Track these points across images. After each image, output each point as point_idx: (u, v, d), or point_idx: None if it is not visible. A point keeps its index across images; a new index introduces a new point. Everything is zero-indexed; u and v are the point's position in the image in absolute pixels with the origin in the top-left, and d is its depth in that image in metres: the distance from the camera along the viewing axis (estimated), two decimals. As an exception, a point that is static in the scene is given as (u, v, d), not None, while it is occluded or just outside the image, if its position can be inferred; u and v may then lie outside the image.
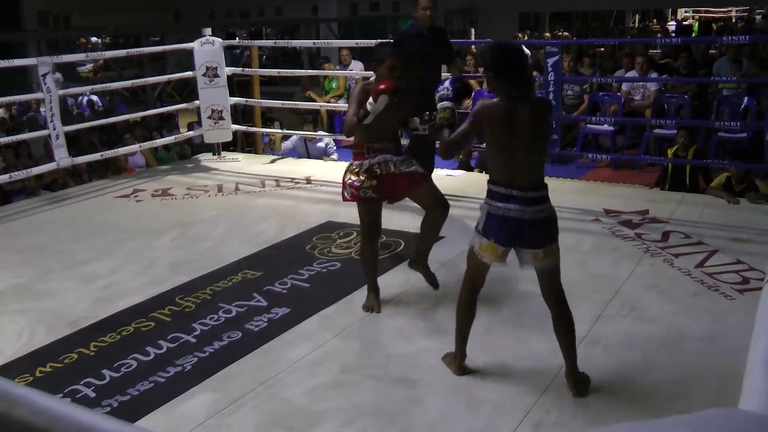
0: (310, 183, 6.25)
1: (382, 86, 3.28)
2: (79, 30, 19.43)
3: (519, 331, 3.33)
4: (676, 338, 3.27)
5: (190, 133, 7.79)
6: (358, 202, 3.54)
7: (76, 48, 20.33)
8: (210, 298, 3.86)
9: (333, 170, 6.61)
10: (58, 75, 6.60)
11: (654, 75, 8.53)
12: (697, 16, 26.37)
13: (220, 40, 7.07)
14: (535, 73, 5.89)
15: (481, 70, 8.89)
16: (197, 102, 7.09)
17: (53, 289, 4.10)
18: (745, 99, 7.89)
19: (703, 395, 2.80)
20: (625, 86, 8.60)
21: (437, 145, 5.36)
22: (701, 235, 4.61)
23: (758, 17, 24.44)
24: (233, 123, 7.23)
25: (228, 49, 8.12)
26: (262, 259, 4.42)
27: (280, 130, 7.30)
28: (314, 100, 9.43)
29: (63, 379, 3.07)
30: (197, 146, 8.38)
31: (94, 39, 22.85)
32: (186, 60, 7.96)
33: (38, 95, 6.23)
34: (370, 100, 3.31)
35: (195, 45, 6.89)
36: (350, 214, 5.12)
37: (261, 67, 9.49)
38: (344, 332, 3.42)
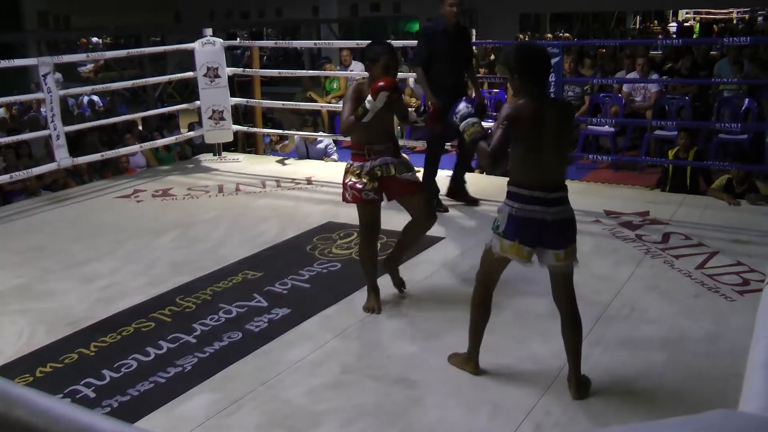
0: (310, 184, 6.25)
1: (381, 83, 3.26)
2: (80, 30, 19.45)
3: (520, 332, 3.33)
4: (677, 339, 3.27)
5: (191, 133, 7.79)
6: (358, 204, 3.54)
7: (76, 48, 20.36)
8: (210, 298, 3.86)
9: (333, 171, 6.61)
10: (58, 75, 6.60)
11: (655, 76, 8.54)
12: (698, 17, 26.40)
13: (221, 40, 7.07)
14: None
15: (482, 71, 8.92)
16: (198, 102, 7.09)
17: (53, 290, 4.10)
18: (746, 100, 7.89)
19: (704, 396, 2.79)
20: (625, 87, 8.60)
21: (441, 145, 5.41)
22: (702, 236, 4.61)
23: (759, 19, 24.44)
24: (234, 123, 7.23)
25: (229, 50, 8.12)
26: (262, 259, 4.42)
27: (280, 131, 7.29)
28: (315, 101, 9.43)
29: (63, 380, 3.07)
30: (198, 146, 8.38)
31: (94, 39, 22.88)
32: (187, 60, 7.97)
33: (39, 95, 6.24)
34: (369, 98, 3.29)
35: (196, 45, 6.90)
36: (351, 214, 5.12)
37: (262, 67, 9.49)
38: (344, 333, 3.42)
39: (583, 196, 5.54)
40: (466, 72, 5.23)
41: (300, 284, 4.01)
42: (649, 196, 5.85)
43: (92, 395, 2.95)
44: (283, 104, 7.94)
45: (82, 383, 3.03)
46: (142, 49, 8.60)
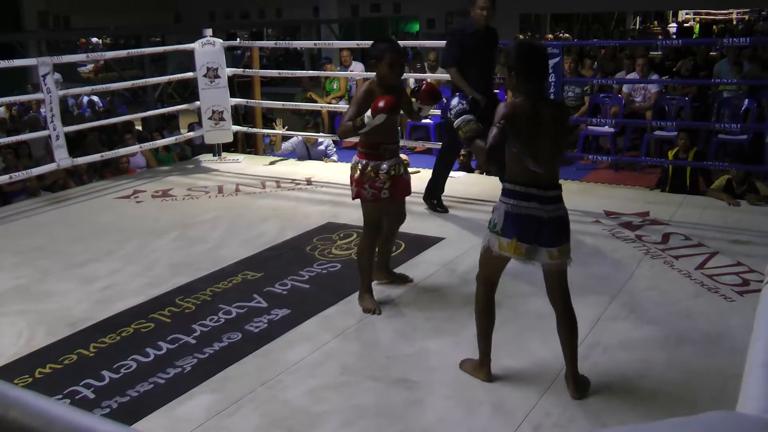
0: (310, 184, 6.25)
1: (381, 104, 3.26)
2: (80, 30, 19.45)
3: (519, 332, 3.32)
4: (676, 340, 3.27)
5: (191, 134, 7.79)
6: (375, 202, 3.54)
7: (76, 48, 20.37)
8: (210, 299, 3.86)
9: (333, 172, 6.61)
10: (57, 75, 6.58)
11: (654, 77, 8.54)
12: (697, 18, 26.40)
13: (221, 40, 7.07)
14: None
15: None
16: (198, 103, 7.09)
17: (53, 290, 4.09)
18: (746, 101, 7.90)
19: (703, 397, 2.79)
20: (625, 88, 8.61)
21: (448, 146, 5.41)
22: (701, 236, 4.61)
23: (760, 22, 24.43)
24: (234, 124, 7.23)
25: (229, 50, 8.12)
26: (262, 260, 4.42)
27: (280, 131, 7.28)
28: (315, 101, 9.43)
29: (62, 380, 3.06)
30: (198, 147, 8.38)
31: (94, 39, 22.87)
32: (187, 61, 7.96)
33: (38, 96, 6.23)
34: (369, 113, 3.29)
35: (196, 46, 6.90)
36: (351, 215, 5.13)
37: (262, 68, 9.49)
38: (344, 333, 3.42)
39: (583, 196, 5.55)
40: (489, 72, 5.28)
41: (300, 285, 4.01)
42: (648, 196, 5.84)
43: (91, 396, 2.94)
44: (283, 104, 7.95)
45: (81, 384, 3.03)
46: (142, 50, 8.59)
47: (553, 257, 2.73)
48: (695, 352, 3.16)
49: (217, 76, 6.91)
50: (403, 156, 4.01)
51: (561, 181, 2.84)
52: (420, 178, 5.37)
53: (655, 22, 27.10)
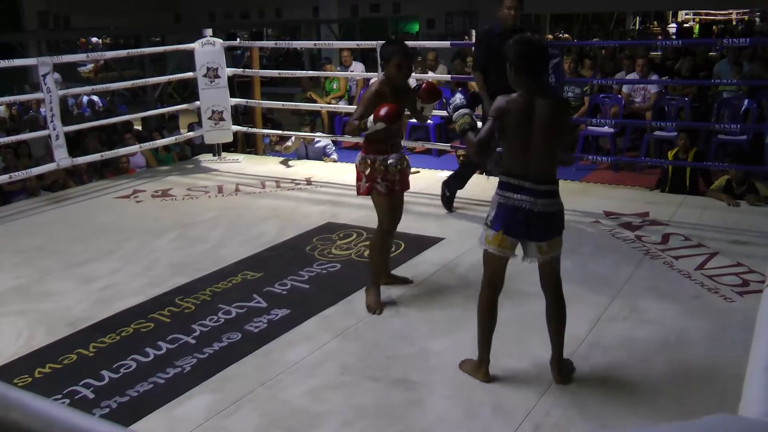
0: (310, 184, 6.25)
1: (382, 112, 3.32)
2: (80, 30, 19.44)
3: (519, 333, 3.32)
4: (676, 340, 3.27)
5: (191, 133, 7.79)
6: (389, 196, 3.58)
7: (76, 48, 20.36)
8: (210, 299, 3.86)
9: (333, 171, 6.61)
10: (57, 75, 6.58)
11: (654, 77, 8.54)
12: (697, 18, 26.40)
13: (221, 41, 7.07)
14: None
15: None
16: (198, 103, 7.09)
17: (52, 290, 4.09)
18: (746, 101, 7.89)
19: (703, 397, 2.79)
20: (625, 88, 8.61)
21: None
22: (701, 237, 4.61)
23: (757, 20, 24.44)
24: (234, 124, 7.23)
25: (229, 50, 8.11)
26: (261, 260, 4.42)
27: (280, 131, 7.29)
28: (315, 101, 9.43)
29: (62, 380, 3.06)
30: (197, 147, 8.38)
31: (94, 39, 22.86)
32: (187, 61, 7.96)
33: (38, 95, 6.23)
34: (371, 118, 3.37)
35: (196, 46, 6.89)
36: (350, 215, 5.14)
37: (262, 68, 9.49)
38: (344, 333, 3.42)
39: (583, 196, 5.55)
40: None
41: (299, 285, 4.01)
42: (648, 196, 5.84)
43: (91, 396, 2.94)
44: (283, 105, 7.94)
45: (81, 384, 3.03)
46: (142, 50, 8.58)
47: (542, 251, 2.79)
48: (695, 353, 3.16)
49: (217, 76, 6.91)
50: None
51: (561, 181, 2.86)
52: (420, 179, 5.38)
53: (655, 22, 27.10)
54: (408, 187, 3.79)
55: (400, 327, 3.49)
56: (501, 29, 4.94)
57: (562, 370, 2.91)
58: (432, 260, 4.32)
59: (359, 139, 3.84)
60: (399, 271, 4.07)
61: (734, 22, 25.10)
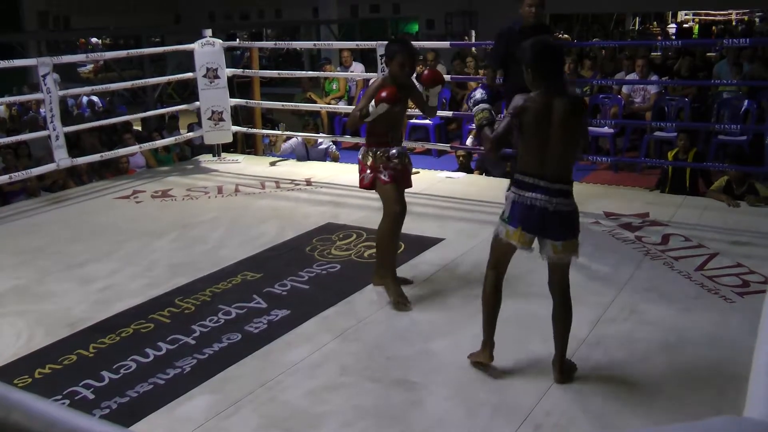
0: (310, 185, 6.25)
1: (384, 94, 3.43)
2: (80, 31, 19.44)
3: (520, 333, 3.32)
4: (676, 341, 3.27)
5: (191, 134, 7.78)
6: (390, 184, 3.62)
7: (76, 49, 20.35)
8: (209, 299, 3.86)
9: (333, 172, 6.61)
10: (56, 76, 6.56)
11: (654, 77, 8.54)
12: (697, 18, 26.40)
13: (221, 41, 7.07)
14: None
15: (482, 72, 8.94)
16: (197, 103, 7.09)
17: (52, 291, 4.09)
18: (745, 102, 7.89)
19: (703, 397, 2.79)
20: (625, 89, 8.61)
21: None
22: (701, 238, 4.60)
23: (757, 20, 24.44)
24: (233, 124, 7.23)
25: (228, 51, 8.12)
26: (261, 260, 4.42)
27: (280, 132, 7.29)
28: (315, 102, 9.43)
29: (62, 381, 3.06)
30: (197, 147, 8.37)
31: (94, 40, 22.85)
32: (186, 61, 7.95)
33: (38, 96, 6.23)
34: (372, 103, 3.45)
35: (195, 46, 6.89)
36: (350, 215, 5.13)
37: (261, 68, 9.48)
38: (344, 334, 3.42)
39: (583, 197, 5.52)
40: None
41: (299, 285, 4.01)
42: (648, 197, 5.85)
43: (91, 397, 2.94)
44: (283, 105, 7.94)
45: (80, 385, 3.02)
46: (142, 50, 8.58)
47: (556, 251, 2.80)
48: (695, 354, 3.16)
49: (216, 77, 6.91)
50: None
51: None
52: (420, 179, 5.37)
53: (655, 22, 27.10)
54: (410, 185, 3.81)
55: (400, 327, 3.48)
56: (521, 26, 4.93)
57: (564, 371, 2.92)
58: (432, 261, 4.32)
59: (359, 139, 3.85)
60: (399, 272, 4.06)
61: (734, 23, 25.10)
